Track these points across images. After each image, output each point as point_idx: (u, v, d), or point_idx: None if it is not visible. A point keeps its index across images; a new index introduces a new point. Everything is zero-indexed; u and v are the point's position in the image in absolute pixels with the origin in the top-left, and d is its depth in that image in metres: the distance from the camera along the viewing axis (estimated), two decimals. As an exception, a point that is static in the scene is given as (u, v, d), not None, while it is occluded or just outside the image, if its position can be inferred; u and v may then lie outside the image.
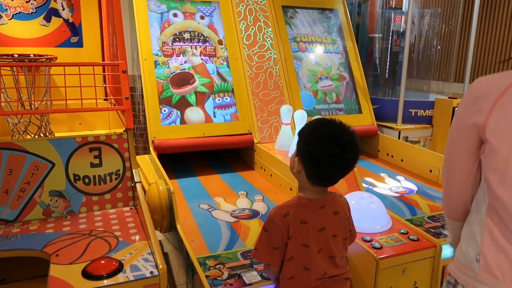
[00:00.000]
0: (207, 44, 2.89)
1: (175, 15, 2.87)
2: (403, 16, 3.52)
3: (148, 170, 2.40)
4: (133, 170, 1.85)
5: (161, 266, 1.32)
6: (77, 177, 1.76)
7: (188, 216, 2.06)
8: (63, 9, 2.84)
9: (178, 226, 1.85)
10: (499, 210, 0.94)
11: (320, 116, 2.77)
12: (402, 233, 1.90)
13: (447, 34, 3.61)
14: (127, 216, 1.75)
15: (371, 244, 1.78)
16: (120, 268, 1.32)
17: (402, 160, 2.91)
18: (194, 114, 2.69)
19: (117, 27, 1.93)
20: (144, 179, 2.32)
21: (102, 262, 1.33)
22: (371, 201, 2.00)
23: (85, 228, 1.63)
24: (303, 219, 1.21)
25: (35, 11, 2.77)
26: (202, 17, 2.94)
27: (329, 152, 1.14)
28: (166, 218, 1.94)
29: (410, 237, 1.86)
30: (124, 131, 1.86)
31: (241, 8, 3.05)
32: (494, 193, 0.94)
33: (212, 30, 2.93)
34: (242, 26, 3.00)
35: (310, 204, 1.23)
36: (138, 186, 1.80)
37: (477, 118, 0.95)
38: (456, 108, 3.08)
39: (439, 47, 3.61)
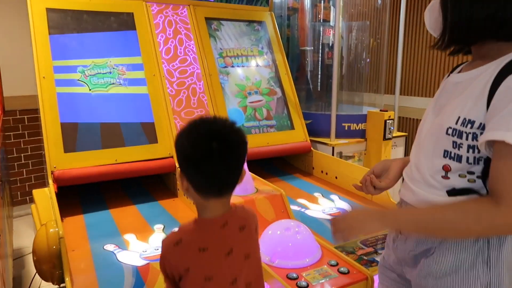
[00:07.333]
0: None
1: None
2: (332, 29, 3.44)
3: (44, 208, 2.04)
4: None
5: None
6: None
7: (87, 262, 1.73)
8: None
9: (66, 280, 1.53)
10: None
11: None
12: (331, 265, 1.72)
13: (375, 47, 3.58)
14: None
15: (297, 283, 1.58)
16: None
17: (336, 178, 2.76)
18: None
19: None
20: (38, 219, 1.97)
21: None
22: (297, 231, 1.80)
23: None
24: (201, 245, 0.97)
25: None
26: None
27: (207, 148, 0.92)
28: (57, 268, 1.62)
29: (340, 269, 1.68)
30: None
31: (159, 20, 2.79)
32: None
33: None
34: (160, 39, 2.74)
35: (208, 226, 1.00)
36: None
37: None
38: (387, 121, 3.03)
39: (368, 60, 3.57)
